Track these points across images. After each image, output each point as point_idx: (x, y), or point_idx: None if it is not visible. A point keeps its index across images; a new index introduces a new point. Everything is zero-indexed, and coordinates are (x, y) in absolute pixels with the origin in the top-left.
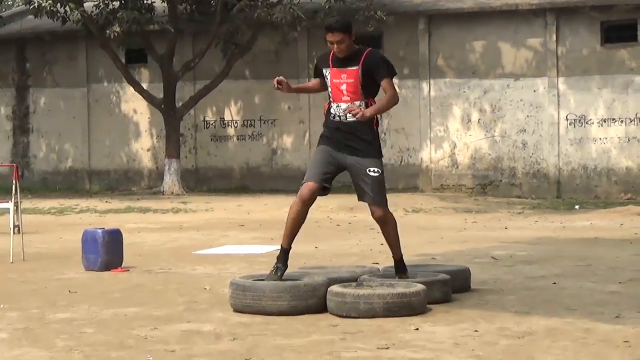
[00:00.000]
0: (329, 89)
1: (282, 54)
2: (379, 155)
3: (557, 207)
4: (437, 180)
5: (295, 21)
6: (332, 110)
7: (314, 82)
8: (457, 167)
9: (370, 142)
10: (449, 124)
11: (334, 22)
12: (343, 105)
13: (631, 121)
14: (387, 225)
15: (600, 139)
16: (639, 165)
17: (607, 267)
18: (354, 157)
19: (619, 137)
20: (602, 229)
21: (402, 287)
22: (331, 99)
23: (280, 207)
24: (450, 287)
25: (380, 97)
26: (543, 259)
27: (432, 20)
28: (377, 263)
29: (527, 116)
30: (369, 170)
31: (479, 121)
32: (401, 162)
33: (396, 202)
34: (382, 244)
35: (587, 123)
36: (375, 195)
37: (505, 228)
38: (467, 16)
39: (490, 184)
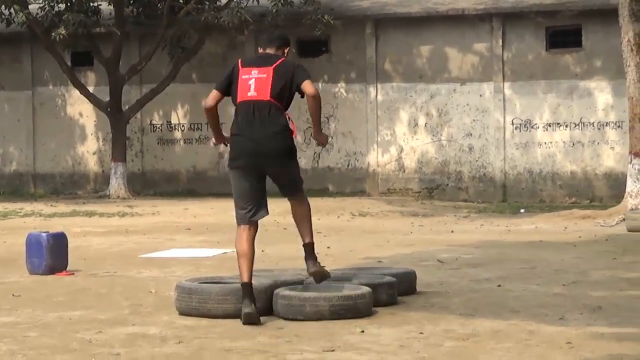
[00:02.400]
0: None
1: (229, 57)
2: None
3: (502, 211)
4: (384, 184)
5: (243, 25)
6: None
7: None
8: (404, 171)
9: None
10: (396, 128)
11: None
12: None
13: (576, 126)
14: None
15: (545, 143)
16: (583, 169)
17: (551, 270)
18: None
19: (563, 142)
20: (546, 232)
21: (348, 290)
22: None
23: (226, 210)
24: (396, 290)
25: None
26: (488, 261)
27: (379, 24)
28: (323, 266)
29: (474, 120)
30: None
31: (425, 125)
32: (348, 166)
33: (343, 206)
34: (328, 247)
35: (532, 127)
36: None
37: (452, 231)
38: (415, 21)
39: (437, 188)
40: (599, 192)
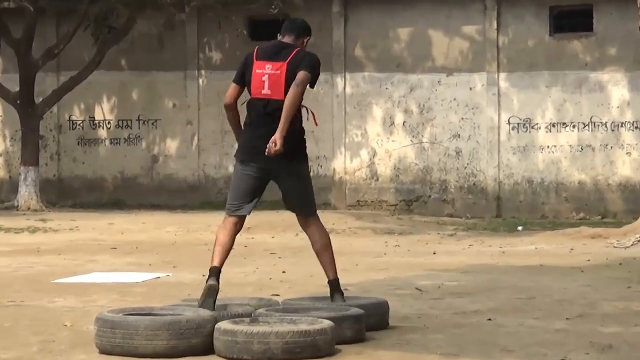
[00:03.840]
0: None
1: (166, 39)
2: None
3: (496, 228)
4: (352, 195)
5: (183, 0)
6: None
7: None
8: (377, 180)
9: None
10: (368, 127)
11: None
12: None
13: (585, 126)
14: None
15: (548, 147)
16: (593, 178)
17: (553, 301)
18: None
19: (570, 145)
20: (548, 254)
21: (305, 324)
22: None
23: (161, 226)
24: (365, 324)
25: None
26: (477, 290)
27: (349, 1)
28: (277, 295)
29: (462, 119)
30: None
31: (404, 124)
32: (310, 171)
33: None
34: (284, 272)
35: (532, 128)
36: None
37: (434, 253)
38: None
39: (417, 200)
40: (613, 206)
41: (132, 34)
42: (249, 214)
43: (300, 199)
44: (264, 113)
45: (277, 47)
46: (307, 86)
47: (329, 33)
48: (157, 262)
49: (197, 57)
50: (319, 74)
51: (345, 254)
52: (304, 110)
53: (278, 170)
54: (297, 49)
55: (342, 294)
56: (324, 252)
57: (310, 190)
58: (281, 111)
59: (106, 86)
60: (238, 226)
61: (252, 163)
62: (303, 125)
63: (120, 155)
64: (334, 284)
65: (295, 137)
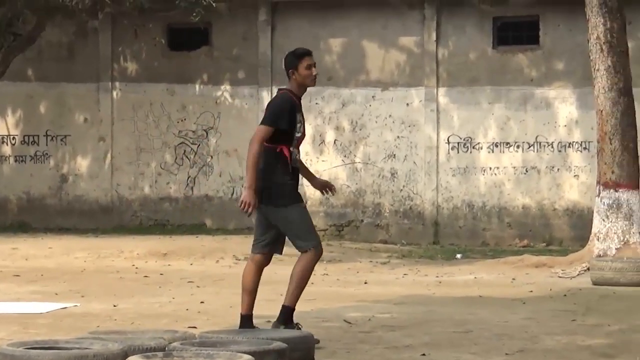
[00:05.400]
0: (299, 135)
1: (77, 48)
2: None
3: (433, 256)
4: None
5: (97, 6)
6: (293, 156)
7: (262, 143)
8: (306, 203)
9: None
10: None
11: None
12: (298, 152)
13: (530, 146)
14: None
15: (490, 168)
16: (538, 203)
17: (492, 335)
18: None
19: (514, 167)
20: (488, 284)
21: (223, 359)
22: (294, 145)
23: (70, 251)
24: (288, 359)
25: None
26: (411, 323)
27: (276, 9)
28: (194, 327)
29: (398, 137)
30: None
31: (335, 143)
32: (232, 194)
33: (224, 247)
34: (202, 302)
35: (474, 148)
36: None
37: (365, 282)
38: (322, 6)
39: (348, 225)
40: (559, 233)
41: (39, 42)
42: (262, 252)
43: (291, 240)
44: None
45: None
46: (269, 130)
47: (255, 43)
48: (64, 291)
49: (110, 68)
50: (272, 111)
51: (270, 284)
52: (287, 157)
53: (268, 217)
54: (281, 90)
55: (288, 324)
56: (292, 277)
57: (296, 231)
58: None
59: (11, 98)
60: (262, 263)
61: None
62: (285, 174)
63: (25, 174)
64: (283, 311)
65: (275, 187)
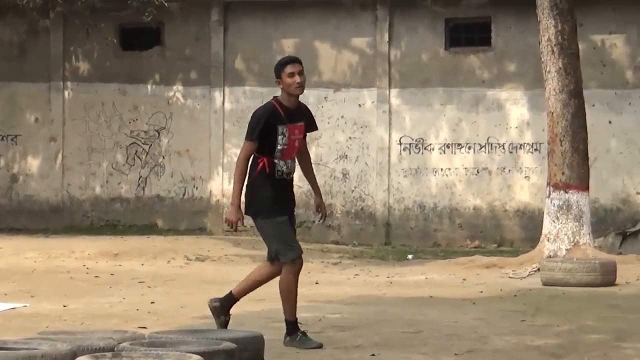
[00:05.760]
0: (282, 147)
1: (28, 47)
2: None
3: (384, 257)
4: None
5: (48, 5)
6: (278, 168)
7: (247, 159)
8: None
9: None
10: None
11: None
12: (289, 163)
13: (481, 147)
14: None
15: (442, 169)
16: (489, 204)
17: (442, 335)
18: (291, 207)
19: (465, 168)
20: (439, 285)
21: (172, 359)
22: (278, 156)
23: (20, 251)
24: (237, 359)
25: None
26: (361, 324)
27: (228, 9)
28: (144, 327)
29: (350, 138)
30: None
31: None
32: (184, 195)
33: (176, 248)
34: (153, 303)
35: (425, 149)
36: None
37: (316, 283)
38: (275, 6)
39: (300, 226)
40: (509, 234)
41: None
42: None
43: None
44: None
45: None
46: (249, 144)
47: (207, 43)
48: (13, 291)
49: (62, 67)
50: (249, 124)
51: (220, 284)
52: (267, 169)
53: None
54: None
55: (291, 335)
56: (280, 292)
57: (269, 241)
58: None
59: None
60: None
61: None
62: (265, 186)
63: None
64: (286, 325)
65: (255, 200)
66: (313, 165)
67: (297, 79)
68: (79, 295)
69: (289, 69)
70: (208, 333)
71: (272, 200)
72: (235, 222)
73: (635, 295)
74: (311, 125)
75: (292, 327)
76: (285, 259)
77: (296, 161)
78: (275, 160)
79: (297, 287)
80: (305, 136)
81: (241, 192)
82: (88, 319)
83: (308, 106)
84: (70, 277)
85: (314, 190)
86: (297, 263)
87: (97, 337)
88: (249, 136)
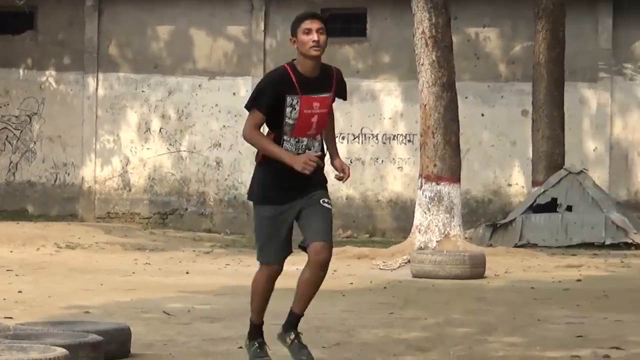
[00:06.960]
0: (292, 122)
1: None
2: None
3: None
4: (102, 206)
5: None
6: (288, 147)
7: (255, 129)
8: (130, 190)
9: (321, 169)
10: (122, 132)
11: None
12: (305, 140)
13: (355, 138)
14: (324, 271)
15: None
16: (362, 194)
17: (310, 327)
18: (308, 193)
19: None
20: None
21: (37, 352)
22: (288, 133)
23: None
24: (103, 353)
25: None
26: (230, 315)
27: None
28: (10, 317)
29: (224, 127)
30: (324, 202)
31: (160, 131)
32: (55, 180)
33: (46, 235)
34: (20, 292)
35: None
36: (329, 231)
37: (187, 272)
38: None
39: (173, 214)
40: (382, 224)
41: None
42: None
43: None
44: None
45: None
46: (251, 114)
47: (81, 28)
48: None
49: None
50: (253, 91)
51: (89, 272)
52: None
53: None
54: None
55: (250, 339)
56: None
57: (256, 235)
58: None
59: None
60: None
61: None
62: (268, 169)
63: None
64: (250, 327)
65: (253, 178)
66: (187, 154)
67: (315, 36)
68: None
69: (306, 24)
70: (74, 325)
71: (267, 186)
72: (309, 160)
73: (503, 288)
74: (341, 93)
75: (252, 330)
76: (260, 260)
77: (318, 140)
78: (285, 137)
79: (266, 291)
80: (331, 109)
81: (278, 147)
82: None
83: (182, 94)
84: None
85: (331, 156)
86: (267, 268)
87: None
88: (248, 105)
